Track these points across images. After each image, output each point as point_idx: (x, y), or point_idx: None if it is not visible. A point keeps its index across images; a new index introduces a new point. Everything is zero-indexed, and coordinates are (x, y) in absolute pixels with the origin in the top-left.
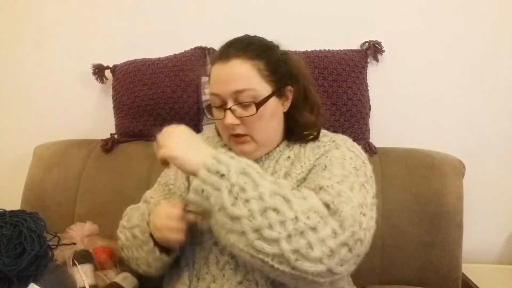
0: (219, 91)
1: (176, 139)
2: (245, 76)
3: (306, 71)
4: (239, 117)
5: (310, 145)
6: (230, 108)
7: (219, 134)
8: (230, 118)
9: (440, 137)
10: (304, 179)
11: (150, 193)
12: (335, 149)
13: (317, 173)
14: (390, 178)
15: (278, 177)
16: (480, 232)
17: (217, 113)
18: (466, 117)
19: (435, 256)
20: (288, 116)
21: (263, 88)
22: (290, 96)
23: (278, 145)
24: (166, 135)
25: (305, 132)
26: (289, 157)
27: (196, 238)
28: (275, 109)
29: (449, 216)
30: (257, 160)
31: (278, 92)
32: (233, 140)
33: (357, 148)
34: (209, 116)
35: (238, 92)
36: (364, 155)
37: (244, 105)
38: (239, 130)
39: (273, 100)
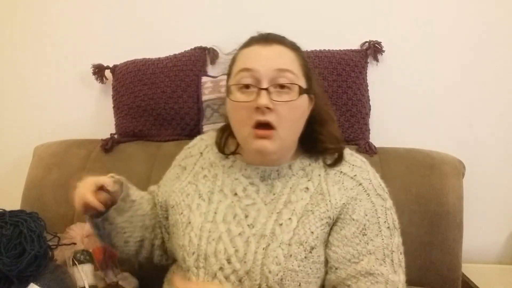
0: (257, 66)
1: None
2: (289, 60)
3: (323, 88)
4: (275, 101)
5: (331, 177)
6: (267, 89)
7: (217, 142)
8: (265, 99)
9: (440, 137)
10: (330, 218)
11: (151, 187)
12: (365, 194)
13: (359, 239)
14: (390, 178)
15: (294, 209)
16: (480, 232)
17: (242, 95)
18: (466, 117)
19: (435, 256)
20: (307, 128)
21: (302, 80)
22: (312, 104)
23: (288, 163)
24: None
25: (329, 146)
26: (307, 188)
27: (199, 261)
28: (306, 109)
29: (449, 216)
30: (264, 177)
31: (309, 92)
32: (256, 133)
33: (380, 184)
34: (230, 97)
35: (280, 71)
36: (385, 189)
37: (285, 87)
38: (270, 117)
39: (305, 99)
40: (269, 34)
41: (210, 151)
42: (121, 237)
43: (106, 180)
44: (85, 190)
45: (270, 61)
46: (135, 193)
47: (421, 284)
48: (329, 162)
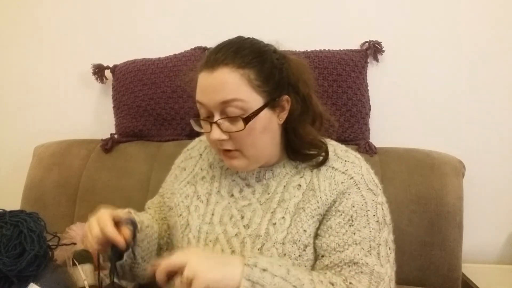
0: (204, 100)
1: (199, 262)
2: (233, 86)
3: (308, 77)
4: (227, 132)
5: (323, 173)
6: (216, 122)
7: None
8: (216, 133)
9: (440, 137)
10: (321, 215)
11: (149, 203)
12: (355, 188)
13: (345, 229)
14: (390, 178)
15: (287, 207)
16: (480, 232)
17: (204, 125)
18: (466, 117)
19: (435, 256)
20: (287, 129)
21: (254, 99)
22: (287, 106)
23: (282, 162)
24: (190, 263)
25: (311, 152)
26: (299, 185)
27: None
28: (268, 123)
29: (449, 216)
30: (259, 178)
31: (271, 103)
32: (223, 154)
33: (372, 180)
34: (196, 129)
35: (225, 103)
36: (379, 186)
37: (232, 119)
38: (227, 146)
39: (266, 113)
40: (218, 51)
41: (209, 152)
42: (141, 267)
43: (121, 213)
44: (104, 223)
45: (215, 93)
46: (143, 218)
47: (421, 284)
48: (314, 163)
